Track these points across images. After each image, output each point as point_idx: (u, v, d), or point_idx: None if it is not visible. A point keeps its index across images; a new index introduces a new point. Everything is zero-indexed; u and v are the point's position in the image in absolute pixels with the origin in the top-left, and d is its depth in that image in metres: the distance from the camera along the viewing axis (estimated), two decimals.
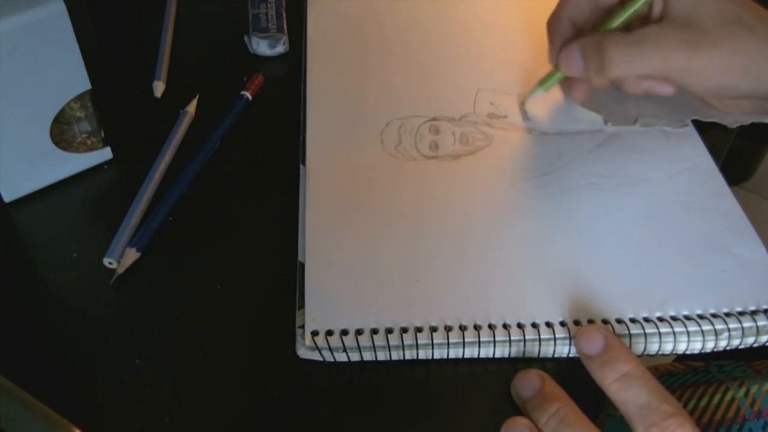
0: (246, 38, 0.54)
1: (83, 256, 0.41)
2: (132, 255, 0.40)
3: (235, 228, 0.43)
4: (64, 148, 0.43)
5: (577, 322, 0.37)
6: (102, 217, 0.43)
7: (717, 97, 0.45)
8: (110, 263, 0.40)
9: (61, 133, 0.43)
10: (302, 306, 0.37)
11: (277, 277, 0.40)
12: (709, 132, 0.47)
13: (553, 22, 0.45)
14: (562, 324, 0.36)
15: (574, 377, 0.35)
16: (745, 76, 0.40)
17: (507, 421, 0.34)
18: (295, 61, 0.53)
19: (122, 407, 0.35)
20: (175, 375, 0.36)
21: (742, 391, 0.39)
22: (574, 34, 0.44)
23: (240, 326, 0.38)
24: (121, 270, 0.39)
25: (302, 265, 0.39)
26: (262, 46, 0.53)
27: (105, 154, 0.45)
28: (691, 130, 0.47)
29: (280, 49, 0.54)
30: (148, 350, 0.37)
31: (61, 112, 0.42)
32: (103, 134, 0.45)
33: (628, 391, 0.32)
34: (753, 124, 0.45)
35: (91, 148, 0.45)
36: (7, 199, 0.43)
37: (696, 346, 0.37)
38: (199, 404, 0.35)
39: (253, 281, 0.40)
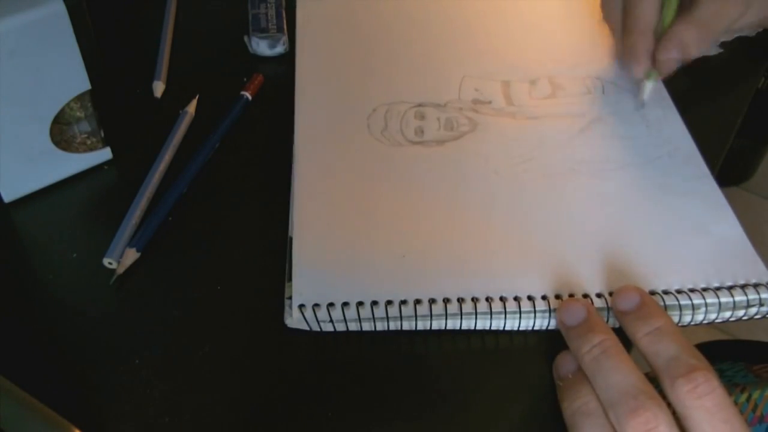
0: (246, 38, 0.54)
1: (83, 256, 0.41)
2: (132, 255, 0.40)
3: (235, 228, 0.43)
4: (64, 148, 0.43)
5: (572, 295, 0.38)
6: (102, 217, 0.43)
7: (726, 32, 0.48)
8: (110, 263, 0.40)
9: (61, 133, 0.43)
10: (291, 279, 0.38)
11: (277, 277, 0.40)
12: (709, 132, 0.47)
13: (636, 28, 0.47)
14: (557, 297, 0.38)
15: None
16: (749, 8, 0.45)
17: (557, 356, 0.36)
18: (294, 61, 0.53)
19: (122, 407, 0.35)
20: (174, 375, 0.36)
21: (744, 396, 0.39)
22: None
23: (240, 326, 0.38)
24: (121, 270, 0.40)
25: (291, 240, 0.40)
26: (261, 46, 0.54)
27: (105, 154, 0.45)
28: (672, 113, 0.48)
29: (280, 49, 0.54)
30: (148, 350, 0.37)
31: (61, 112, 0.42)
32: (103, 134, 0.45)
33: (658, 344, 0.33)
34: (752, 124, 0.45)
35: (91, 148, 0.45)
36: (7, 199, 0.43)
37: (673, 320, 0.38)
38: (199, 404, 0.35)
39: (253, 281, 0.40)
